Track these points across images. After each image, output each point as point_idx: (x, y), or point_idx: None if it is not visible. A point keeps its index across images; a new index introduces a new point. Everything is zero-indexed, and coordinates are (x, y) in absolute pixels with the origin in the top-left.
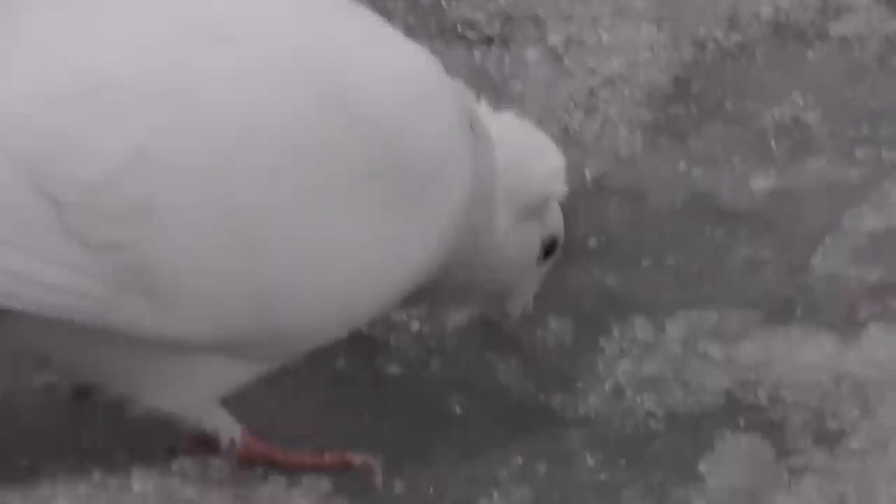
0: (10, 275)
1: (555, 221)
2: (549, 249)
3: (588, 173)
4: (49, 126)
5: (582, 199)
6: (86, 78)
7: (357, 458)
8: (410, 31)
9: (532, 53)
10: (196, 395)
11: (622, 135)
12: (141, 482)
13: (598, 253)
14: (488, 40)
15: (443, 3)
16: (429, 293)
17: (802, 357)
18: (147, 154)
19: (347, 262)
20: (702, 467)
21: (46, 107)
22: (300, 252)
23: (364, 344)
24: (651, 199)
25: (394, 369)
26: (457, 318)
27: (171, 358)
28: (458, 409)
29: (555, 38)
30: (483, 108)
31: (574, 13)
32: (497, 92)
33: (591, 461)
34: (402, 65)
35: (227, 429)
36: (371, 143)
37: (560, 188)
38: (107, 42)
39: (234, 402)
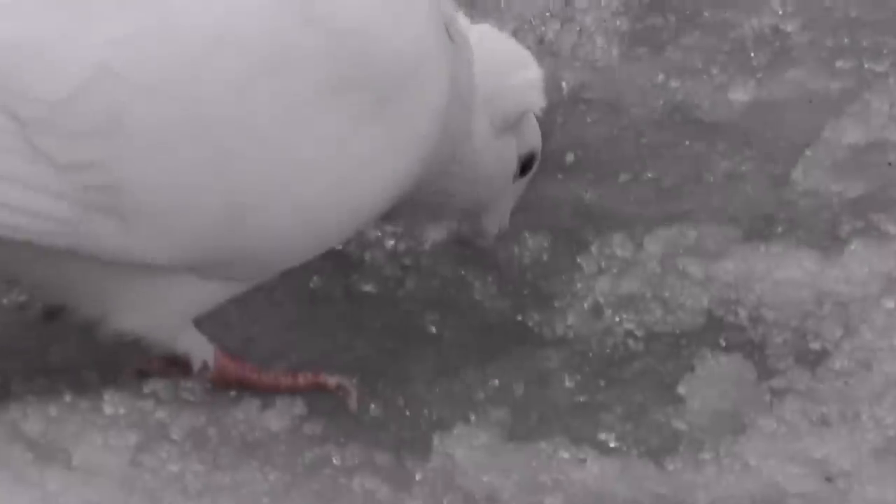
0: None
1: (532, 137)
2: (526, 165)
3: (564, 85)
4: (9, 39)
5: (558, 111)
6: None
7: (332, 380)
8: None
9: None
10: (167, 316)
11: (599, 45)
12: (112, 404)
13: (575, 167)
14: None
15: None
16: (405, 209)
17: (783, 275)
18: (112, 68)
19: (320, 178)
20: (682, 388)
21: (6, 18)
22: (270, 167)
23: (338, 261)
24: (629, 111)
25: (368, 287)
26: (432, 235)
27: (142, 278)
28: (433, 329)
29: None
30: (461, 19)
31: None
32: (472, 3)
33: (569, 382)
34: None
35: (200, 350)
36: (341, 51)
37: (538, 101)
38: None
39: (207, 322)
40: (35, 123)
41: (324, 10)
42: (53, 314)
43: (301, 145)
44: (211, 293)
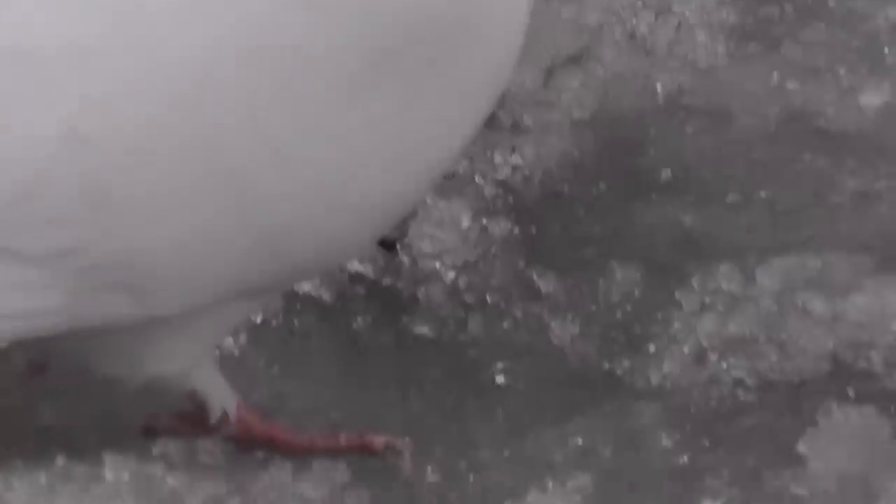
0: None
1: None
2: None
3: (659, 88)
4: None
5: (652, 120)
6: None
7: (379, 440)
8: None
9: None
10: (185, 350)
11: (701, 41)
12: (114, 470)
13: (673, 186)
14: None
15: None
16: None
17: None
18: (82, 131)
19: (363, 167)
20: (802, 447)
21: None
22: (305, 172)
23: (386, 299)
24: (738, 119)
25: (423, 330)
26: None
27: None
28: (502, 379)
29: None
30: None
31: None
32: None
33: (666, 441)
34: None
35: (220, 396)
36: (364, 21)
37: None
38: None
39: (231, 372)
40: None
41: None
42: (40, 368)
43: (337, 140)
44: (236, 312)
